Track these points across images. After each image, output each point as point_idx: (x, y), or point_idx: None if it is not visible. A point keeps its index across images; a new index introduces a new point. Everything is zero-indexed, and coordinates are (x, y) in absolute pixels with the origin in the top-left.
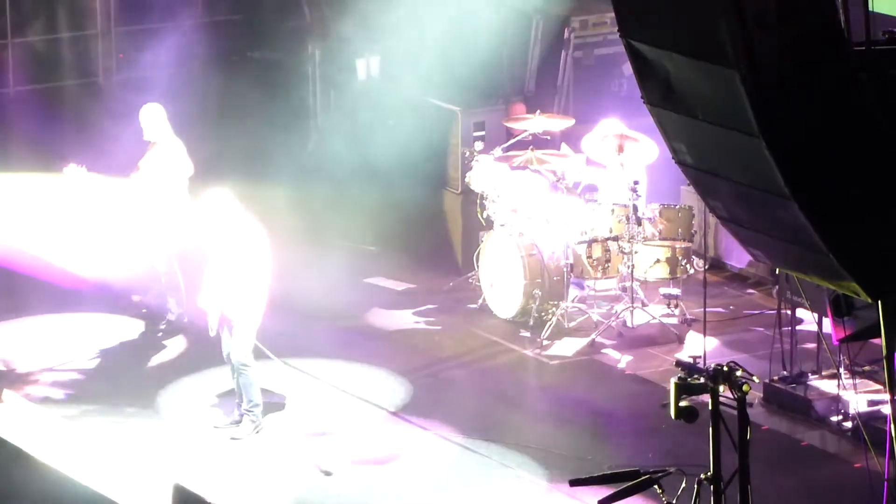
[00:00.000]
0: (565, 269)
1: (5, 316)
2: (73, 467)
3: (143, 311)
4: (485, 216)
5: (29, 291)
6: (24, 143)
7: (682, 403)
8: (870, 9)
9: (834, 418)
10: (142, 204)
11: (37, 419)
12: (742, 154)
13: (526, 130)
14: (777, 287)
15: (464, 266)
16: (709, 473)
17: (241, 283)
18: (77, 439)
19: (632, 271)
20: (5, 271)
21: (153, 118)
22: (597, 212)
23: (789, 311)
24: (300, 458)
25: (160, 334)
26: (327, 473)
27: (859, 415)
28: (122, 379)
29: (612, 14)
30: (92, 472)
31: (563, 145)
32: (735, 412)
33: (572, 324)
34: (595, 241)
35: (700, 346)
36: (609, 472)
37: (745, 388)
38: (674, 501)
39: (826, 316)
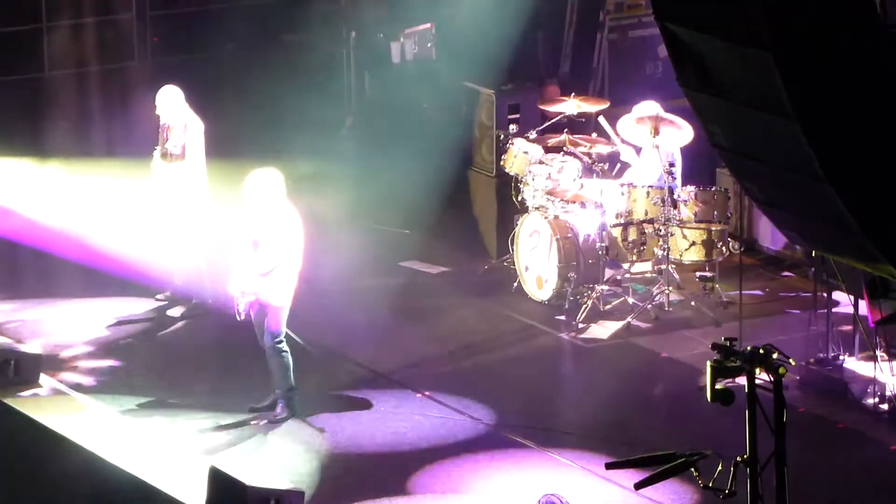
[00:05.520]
0: (600, 252)
1: (42, 299)
2: (109, 450)
3: (167, 293)
4: (519, 199)
5: (65, 275)
6: (58, 128)
7: (719, 386)
8: None
9: (870, 401)
10: (162, 186)
11: (73, 403)
12: (777, 136)
13: (561, 113)
14: (813, 269)
15: (499, 249)
16: (745, 456)
17: (278, 266)
18: (113, 423)
19: (667, 254)
20: (43, 254)
21: (170, 100)
22: (632, 194)
23: (825, 294)
24: (334, 440)
25: (186, 317)
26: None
27: None
28: (158, 362)
29: None
30: (128, 455)
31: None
32: (771, 395)
33: (608, 307)
34: (630, 223)
35: (736, 329)
36: (645, 455)
37: (781, 370)
38: (710, 484)
39: (862, 298)
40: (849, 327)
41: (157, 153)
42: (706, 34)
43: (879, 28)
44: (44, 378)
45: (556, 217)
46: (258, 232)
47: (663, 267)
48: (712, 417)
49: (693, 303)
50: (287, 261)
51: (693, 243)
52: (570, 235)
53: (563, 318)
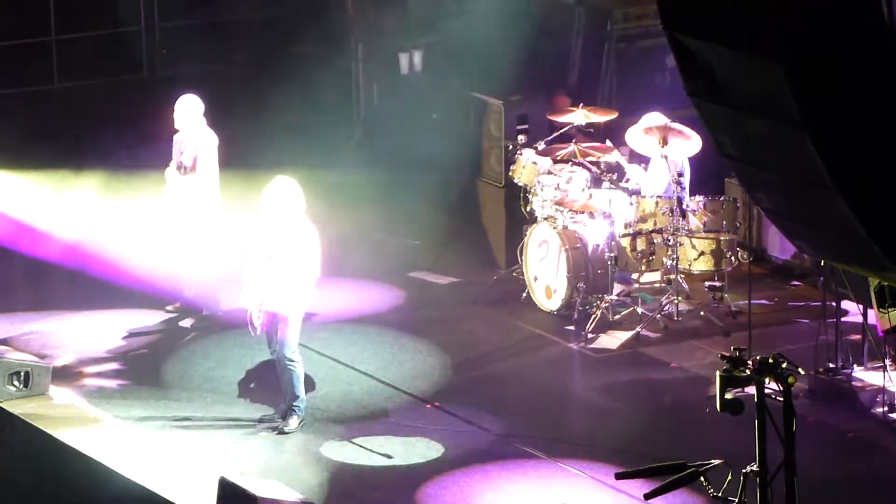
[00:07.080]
0: (609, 262)
1: (52, 311)
2: (119, 462)
3: (177, 305)
4: (528, 210)
5: (75, 286)
6: (68, 140)
7: (728, 396)
8: None
9: (880, 410)
10: (176, 197)
11: (83, 415)
12: (786, 146)
13: (569, 123)
14: (822, 279)
15: (508, 260)
16: (755, 466)
17: (294, 277)
18: (123, 434)
19: (676, 264)
20: (52, 266)
21: (189, 110)
22: (641, 204)
23: (834, 303)
24: (344, 451)
25: (196, 329)
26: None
27: None
28: (168, 373)
29: (655, 5)
30: (137, 466)
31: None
32: (780, 404)
33: (617, 317)
34: (639, 233)
35: (745, 339)
36: (655, 464)
37: (790, 380)
38: (720, 494)
39: (871, 307)
40: (858, 337)
41: (172, 165)
42: (714, 44)
43: (888, 36)
44: (54, 389)
45: (564, 227)
46: (273, 243)
47: (672, 277)
48: (722, 427)
49: (702, 313)
50: (303, 272)
51: (702, 253)
52: (578, 246)
53: (572, 328)
